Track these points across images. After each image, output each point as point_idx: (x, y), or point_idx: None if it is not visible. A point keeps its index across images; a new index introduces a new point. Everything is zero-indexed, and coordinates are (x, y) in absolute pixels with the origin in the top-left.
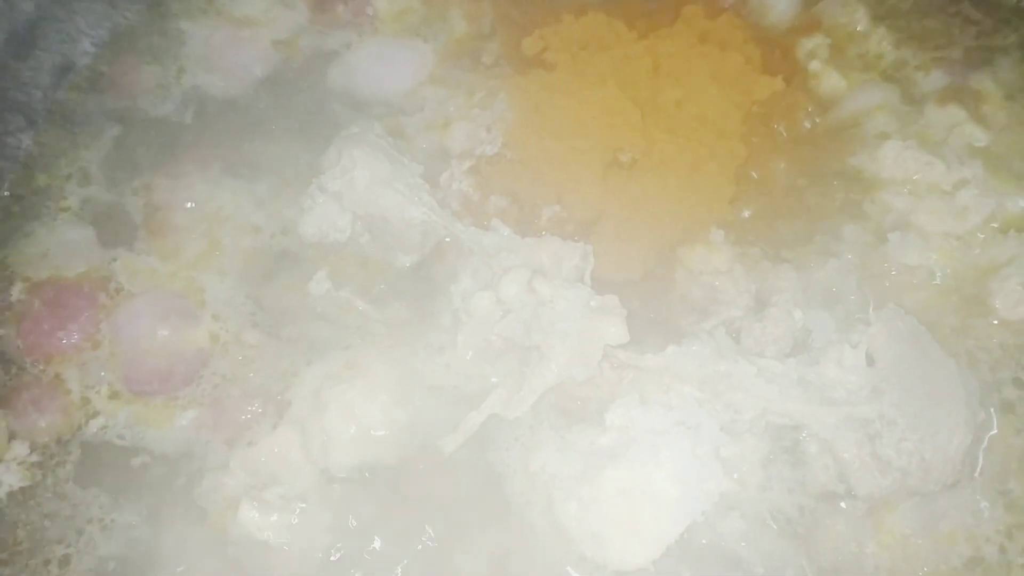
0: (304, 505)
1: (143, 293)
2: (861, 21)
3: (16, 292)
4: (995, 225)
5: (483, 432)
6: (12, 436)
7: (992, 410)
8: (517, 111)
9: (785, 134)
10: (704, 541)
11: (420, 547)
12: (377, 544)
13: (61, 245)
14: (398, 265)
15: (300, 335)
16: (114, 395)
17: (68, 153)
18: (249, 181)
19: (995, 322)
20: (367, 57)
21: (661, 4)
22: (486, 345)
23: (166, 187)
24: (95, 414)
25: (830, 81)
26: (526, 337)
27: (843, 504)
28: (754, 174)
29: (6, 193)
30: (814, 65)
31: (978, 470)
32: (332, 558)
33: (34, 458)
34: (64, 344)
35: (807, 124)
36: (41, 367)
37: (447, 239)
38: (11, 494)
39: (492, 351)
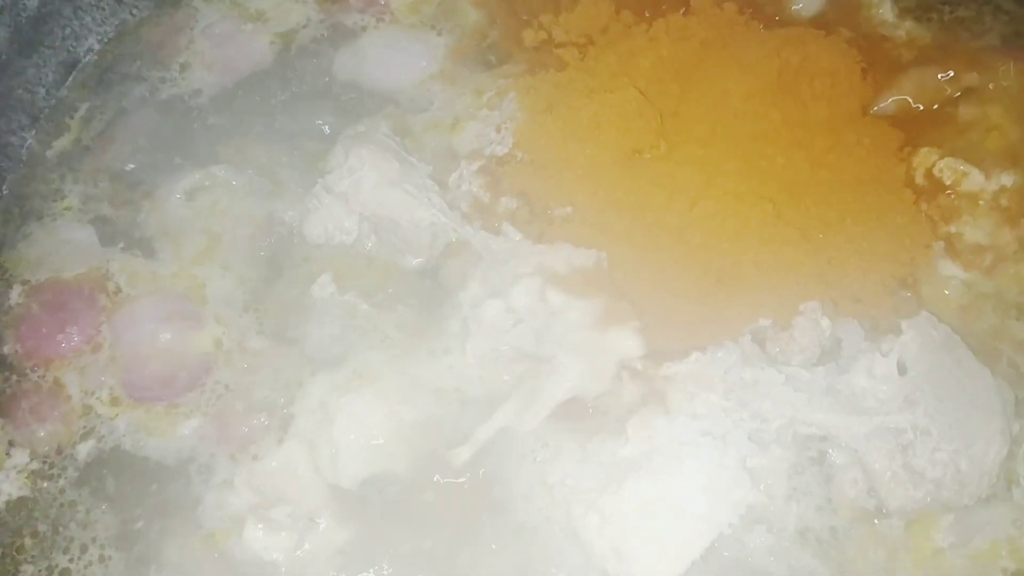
0: (312, 523)
1: (145, 295)
2: (887, 13)
3: (15, 296)
4: None
5: (499, 443)
6: (11, 444)
7: None
8: (528, 111)
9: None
10: (730, 555)
11: (432, 564)
12: (388, 562)
13: (61, 246)
14: (406, 268)
15: (305, 340)
16: (115, 401)
17: (70, 151)
18: (252, 179)
19: None
20: (374, 50)
21: None
22: (496, 355)
23: (168, 185)
24: (96, 422)
25: None
26: (538, 347)
27: (874, 518)
28: (776, 173)
29: (6, 192)
30: None
31: (1014, 482)
32: None
33: (34, 466)
34: (63, 348)
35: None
36: (41, 372)
37: (456, 242)
38: (9, 503)
39: (502, 361)
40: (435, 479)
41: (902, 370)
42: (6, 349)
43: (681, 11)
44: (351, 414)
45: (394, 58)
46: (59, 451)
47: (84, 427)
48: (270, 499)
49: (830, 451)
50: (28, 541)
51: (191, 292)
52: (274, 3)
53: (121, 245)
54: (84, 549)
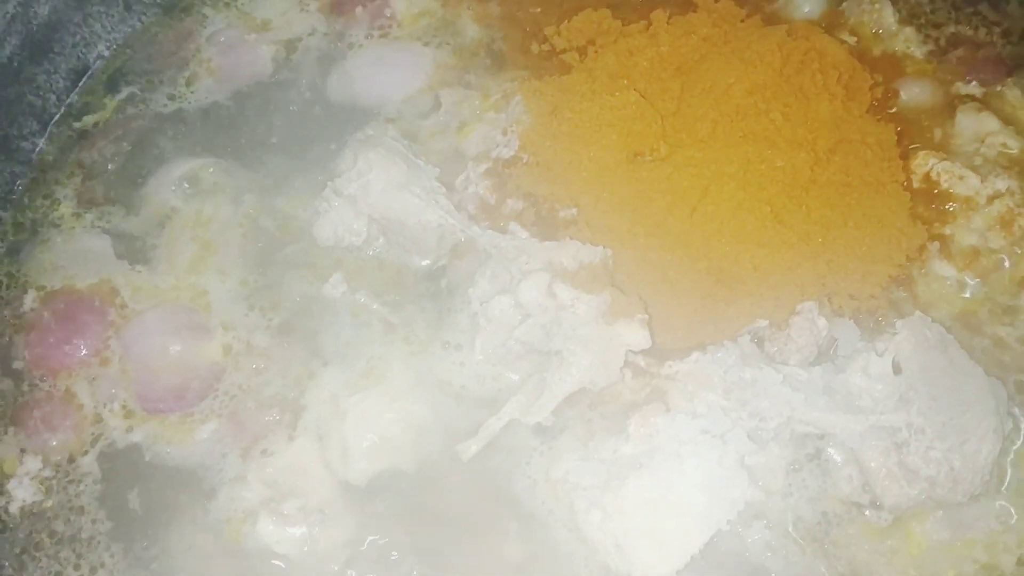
0: (323, 517)
1: (152, 308)
2: (887, 21)
3: (29, 301)
4: None
5: (503, 440)
6: (23, 451)
7: (1020, 420)
8: (533, 114)
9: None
10: (729, 551)
11: (439, 557)
12: (396, 555)
13: (75, 254)
14: (415, 268)
15: (316, 338)
16: (128, 413)
17: (82, 158)
18: (263, 184)
19: None
20: (381, 59)
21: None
22: (505, 350)
23: (166, 192)
24: (108, 431)
25: None
26: (546, 342)
27: (868, 514)
28: (776, 176)
29: (18, 197)
30: None
31: (1006, 481)
32: (352, 570)
33: (47, 473)
34: (70, 359)
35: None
36: (49, 382)
37: (464, 242)
38: (23, 509)
39: (511, 356)
40: (443, 473)
41: (897, 369)
42: (17, 357)
43: (681, 8)
44: (361, 411)
45: (400, 66)
46: (71, 460)
47: (95, 435)
48: (282, 493)
49: (827, 449)
50: (44, 542)
51: (195, 301)
52: (279, 12)
53: (131, 256)
54: (95, 551)
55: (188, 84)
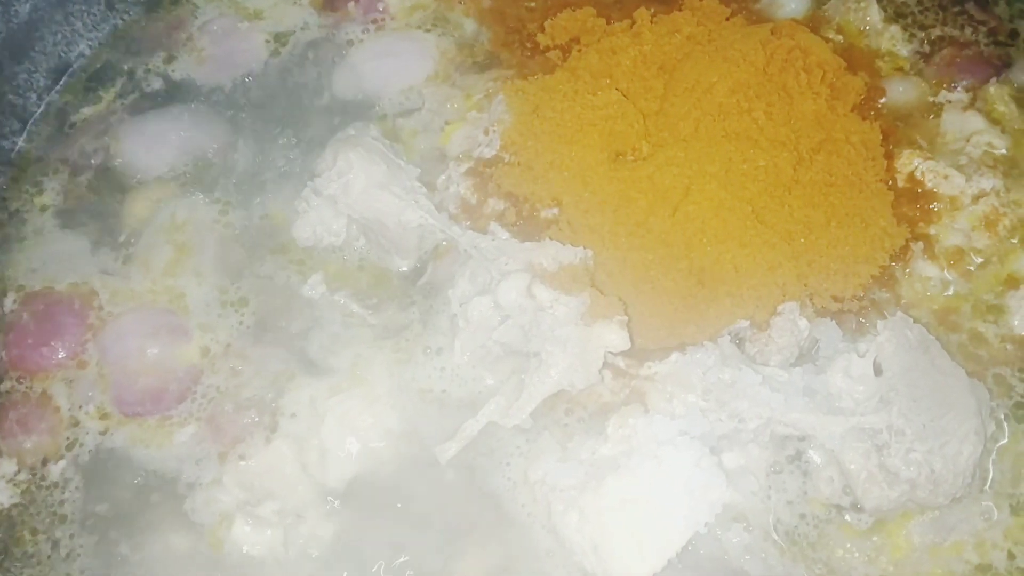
0: (299, 520)
1: (130, 311)
2: (873, 19)
3: (8, 302)
4: (1014, 240)
5: (482, 441)
6: None
7: (1003, 420)
8: (515, 113)
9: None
10: (707, 554)
11: (416, 560)
12: (373, 558)
13: (54, 256)
14: (395, 269)
15: (295, 342)
16: (105, 416)
17: (64, 156)
18: (243, 183)
19: (1009, 334)
20: (367, 56)
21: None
22: (484, 351)
23: (160, 187)
24: (84, 435)
25: None
26: (525, 343)
27: (848, 517)
28: (758, 175)
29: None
30: None
31: (988, 482)
32: (328, 573)
33: (22, 476)
34: (48, 361)
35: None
36: (27, 383)
37: (444, 243)
38: (1, 512)
39: (490, 357)
40: (421, 475)
41: (878, 371)
42: None
43: (665, 7)
44: (340, 414)
45: (385, 64)
46: (45, 463)
47: (70, 438)
48: (258, 496)
49: (807, 451)
50: (24, 539)
51: (172, 304)
52: (270, 3)
53: (103, 259)
54: (71, 554)
55: (175, 76)
